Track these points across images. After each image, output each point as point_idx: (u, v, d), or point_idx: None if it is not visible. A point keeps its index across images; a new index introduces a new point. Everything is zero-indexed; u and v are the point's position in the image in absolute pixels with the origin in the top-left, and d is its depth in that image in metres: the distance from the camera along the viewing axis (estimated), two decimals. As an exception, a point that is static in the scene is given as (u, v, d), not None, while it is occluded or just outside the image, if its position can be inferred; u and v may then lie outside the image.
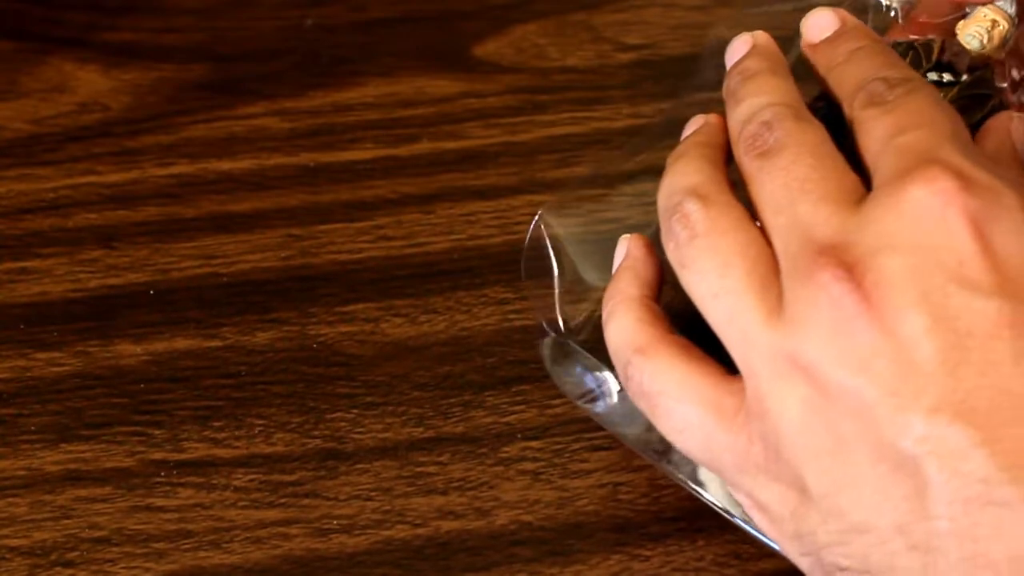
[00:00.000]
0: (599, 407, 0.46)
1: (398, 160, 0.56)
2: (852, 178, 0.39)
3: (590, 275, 0.47)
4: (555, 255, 0.47)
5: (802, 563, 0.39)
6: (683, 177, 0.41)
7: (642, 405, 0.41)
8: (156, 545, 0.46)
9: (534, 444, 0.48)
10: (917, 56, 0.45)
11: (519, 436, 0.48)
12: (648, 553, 0.45)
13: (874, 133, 0.39)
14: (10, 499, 0.47)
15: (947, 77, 0.45)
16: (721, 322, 0.39)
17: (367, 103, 0.58)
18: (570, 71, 0.59)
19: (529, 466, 0.47)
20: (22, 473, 0.47)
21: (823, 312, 0.36)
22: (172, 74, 0.59)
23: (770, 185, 0.39)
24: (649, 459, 0.46)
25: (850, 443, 0.36)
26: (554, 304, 0.47)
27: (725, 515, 0.44)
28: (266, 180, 0.55)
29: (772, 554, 0.45)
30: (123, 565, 0.45)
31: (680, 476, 0.45)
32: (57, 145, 0.56)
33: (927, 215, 0.36)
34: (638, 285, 0.43)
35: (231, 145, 0.56)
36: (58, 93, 0.58)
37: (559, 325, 0.46)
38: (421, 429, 0.48)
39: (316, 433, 0.48)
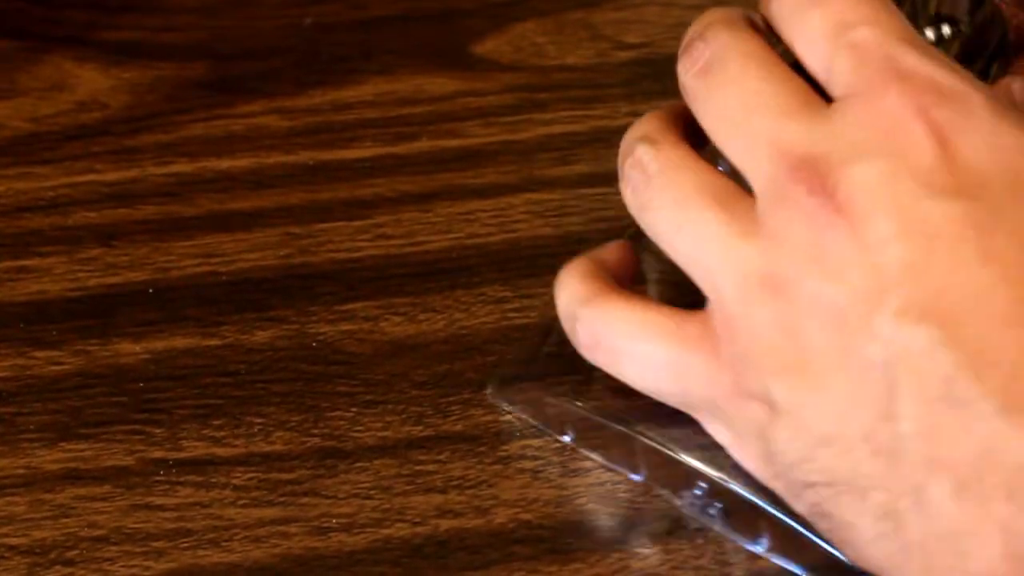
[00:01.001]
0: None
1: (397, 158, 0.56)
2: (801, 84, 0.38)
3: None
4: None
5: (776, 487, 0.39)
6: (635, 129, 0.41)
7: (600, 359, 0.41)
8: (155, 544, 0.46)
9: (533, 442, 0.48)
10: (913, 7, 0.44)
11: (518, 434, 0.48)
12: (647, 551, 0.45)
13: (810, 26, 0.39)
14: (9, 498, 0.47)
15: (946, 29, 0.44)
16: (688, 253, 0.39)
17: (366, 101, 0.58)
18: (569, 69, 0.59)
19: (528, 464, 0.47)
20: (21, 472, 0.47)
21: (799, 226, 0.36)
22: (171, 73, 0.59)
23: (721, 102, 0.39)
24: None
25: (820, 354, 0.36)
26: None
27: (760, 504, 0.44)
28: (265, 178, 0.55)
29: (771, 552, 0.45)
30: (122, 564, 0.45)
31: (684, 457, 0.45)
32: (56, 144, 0.56)
33: (898, 126, 0.36)
34: (590, 257, 0.43)
35: (230, 143, 0.56)
36: (57, 91, 0.58)
37: None
38: (420, 427, 0.48)
39: (315, 431, 0.48)
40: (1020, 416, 0.33)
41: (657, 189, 0.40)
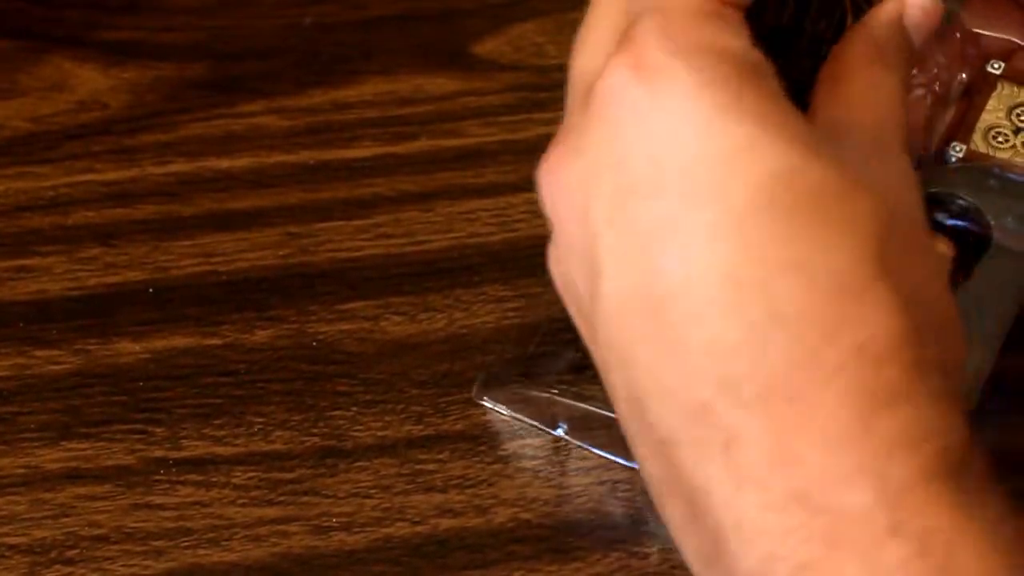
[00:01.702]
0: None
1: (397, 158, 0.56)
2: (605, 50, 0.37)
3: None
4: None
5: None
6: None
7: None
8: (155, 543, 0.46)
9: (533, 442, 0.48)
10: None
11: (518, 434, 0.48)
12: (647, 551, 0.45)
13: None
14: (10, 497, 0.47)
15: None
16: None
17: (366, 101, 0.58)
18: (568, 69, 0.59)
19: (528, 464, 0.47)
20: (22, 471, 0.47)
21: (545, 206, 0.37)
22: (171, 72, 0.59)
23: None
24: None
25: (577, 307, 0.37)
26: None
27: None
28: (265, 178, 0.55)
29: (771, 551, 0.45)
30: (122, 563, 0.45)
31: None
32: (56, 143, 0.56)
33: (603, 114, 0.35)
34: None
35: (230, 143, 0.56)
36: (57, 91, 0.58)
37: None
38: (420, 427, 0.48)
39: (315, 431, 0.48)
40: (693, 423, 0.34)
41: None
